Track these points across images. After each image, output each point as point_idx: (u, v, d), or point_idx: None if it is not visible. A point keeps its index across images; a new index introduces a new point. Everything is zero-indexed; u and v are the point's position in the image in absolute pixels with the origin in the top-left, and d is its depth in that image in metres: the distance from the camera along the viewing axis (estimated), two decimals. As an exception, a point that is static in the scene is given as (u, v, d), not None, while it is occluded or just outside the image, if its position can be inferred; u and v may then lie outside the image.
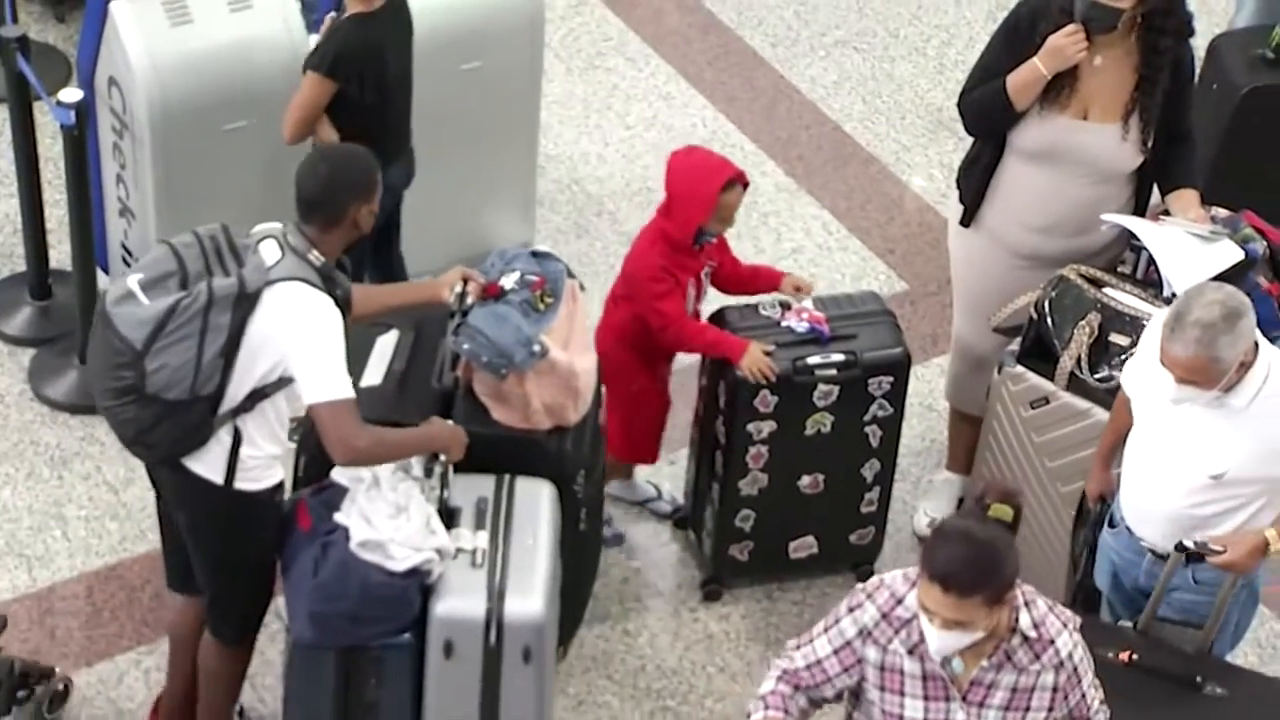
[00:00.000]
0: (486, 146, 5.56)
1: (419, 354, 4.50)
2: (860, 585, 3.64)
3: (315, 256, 3.98)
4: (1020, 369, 4.65)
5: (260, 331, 3.91)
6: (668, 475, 5.21)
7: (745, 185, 4.71)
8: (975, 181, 4.82)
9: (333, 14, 4.95)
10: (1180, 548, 4.04)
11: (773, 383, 4.66)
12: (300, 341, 3.92)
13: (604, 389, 4.68)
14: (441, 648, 4.12)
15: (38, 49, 5.72)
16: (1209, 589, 4.11)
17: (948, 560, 3.40)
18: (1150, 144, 4.68)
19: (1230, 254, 4.65)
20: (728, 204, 4.65)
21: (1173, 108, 4.70)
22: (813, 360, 4.70)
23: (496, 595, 4.11)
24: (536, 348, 4.27)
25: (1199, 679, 4.04)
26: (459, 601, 4.11)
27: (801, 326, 4.74)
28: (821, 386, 4.72)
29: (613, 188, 6.18)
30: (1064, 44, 4.55)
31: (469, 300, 4.31)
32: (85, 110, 5.04)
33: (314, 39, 5.40)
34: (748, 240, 5.91)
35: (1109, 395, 4.51)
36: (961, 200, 4.88)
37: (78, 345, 5.39)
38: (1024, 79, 4.61)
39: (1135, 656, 4.04)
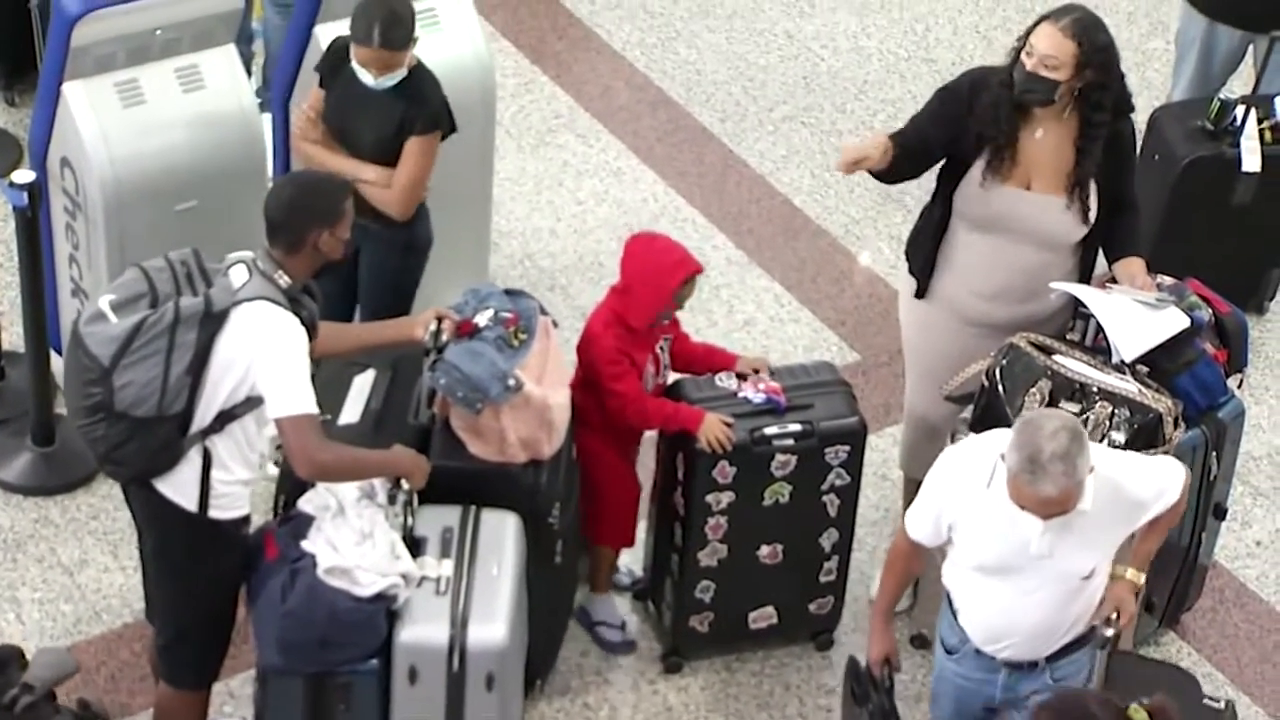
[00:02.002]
0: (439, 222, 5.57)
1: (395, 392, 4.60)
2: None
3: (281, 277, 4.05)
4: (973, 436, 4.69)
5: (227, 350, 3.98)
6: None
7: (698, 273, 4.74)
8: (924, 252, 4.88)
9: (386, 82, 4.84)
10: (1104, 644, 4.15)
11: (730, 453, 4.69)
12: (265, 357, 3.99)
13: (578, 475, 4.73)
14: (406, 674, 4.21)
15: (-11, 131, 5.73)
16: (1064, 683, 4.13)
17: None
18: (1093, 215, 4.76)
19: (1176, 321, 4.71)
20: (682, 295, 4.70)
21: (1116, 179, 4.78)
22: (770, 430, 4.73)
23: (460, 622, 4.21)
24: (511, 382, 4.36)
25: None
26: (423, 628, 4.21)
27: (758, 397, 4.78)
28: (779, 456, 4.74)
29: (565, 263, 6.22)
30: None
31: (444, 338, 4.39)
32: (38, 191, 5.05)
33: (267, 119, 5.44)
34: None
35: (1061, 461, 4.55)
36: (911, 271, 4.94)
37: (31, 427, 5.37)
38: None
39: None
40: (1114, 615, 4.14)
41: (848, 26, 7.21)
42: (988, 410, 4.68)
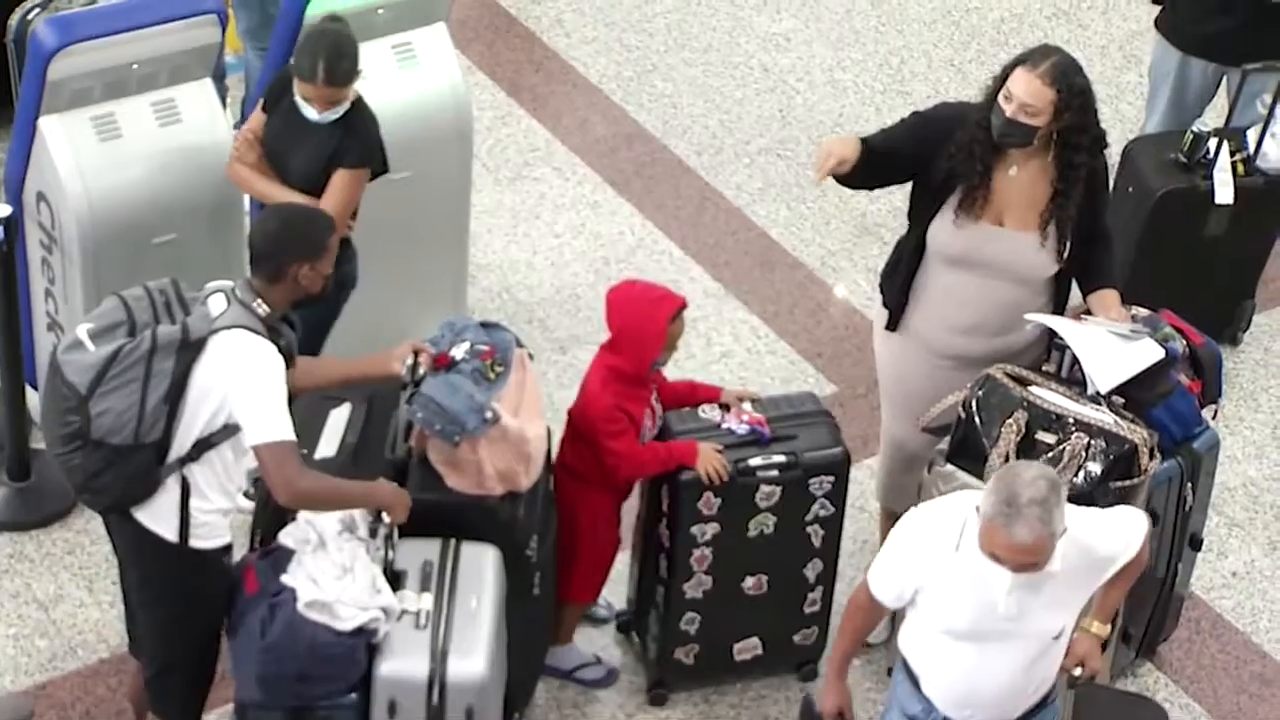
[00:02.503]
0: (417, 255, 5.59)
1: (371, 427, 4.60)
2: None
3: (259, 306, 4.06)
4: (950, 467, 4.69)
5: (204, 378, 3.99)
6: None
7: (684, 308, 4.69)
8: (897, 286, 4.89)
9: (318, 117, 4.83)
10: (1071, 683, 4.14)
11: (714, 484, 4.69)
12: (243, 385, 3.99)
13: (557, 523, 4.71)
14: (386, 707, 4.20)
15: (-35, 165, 5.71)
16: None
17: None
18: (1066, 251, 4.77)
19: (1151, 353, 4.73)
20: (675, 334, 4.65)
21: (1089, 215, 4.80)
22: (754, 461, 4.73)
23: (439, 656, 4.21)
24: (489, 414, 4.36)
25: None
26: (402, 662, 4.21)
27: (742, 428, 4.78)
28: (764, 488, 4.74)
29: (542, 295, 6.23)
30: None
31: (421, 371, 4.40)
32: (14, 226, 5.04)
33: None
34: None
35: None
36: (885, 305, 4.95)
37: (5, 462, 5.35)
38: None
39: None
40: (1078, 670, 4.12)
41: (823, 60, 7.25)
42: (964, 441, 4.69)
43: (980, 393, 4.68)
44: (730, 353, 6.10)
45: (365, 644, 4.19)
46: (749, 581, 4.86)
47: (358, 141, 4.84)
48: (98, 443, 4.00)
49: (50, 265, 5.26)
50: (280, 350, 4.05)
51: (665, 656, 4.94)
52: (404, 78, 5.45)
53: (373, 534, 4.26)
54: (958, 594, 3.91)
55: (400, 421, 4.53)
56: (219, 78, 5.90)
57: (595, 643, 5.14)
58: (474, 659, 4.23)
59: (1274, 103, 5.85)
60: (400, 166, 5.44)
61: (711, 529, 4.76)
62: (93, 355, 3.99)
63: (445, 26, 5.56)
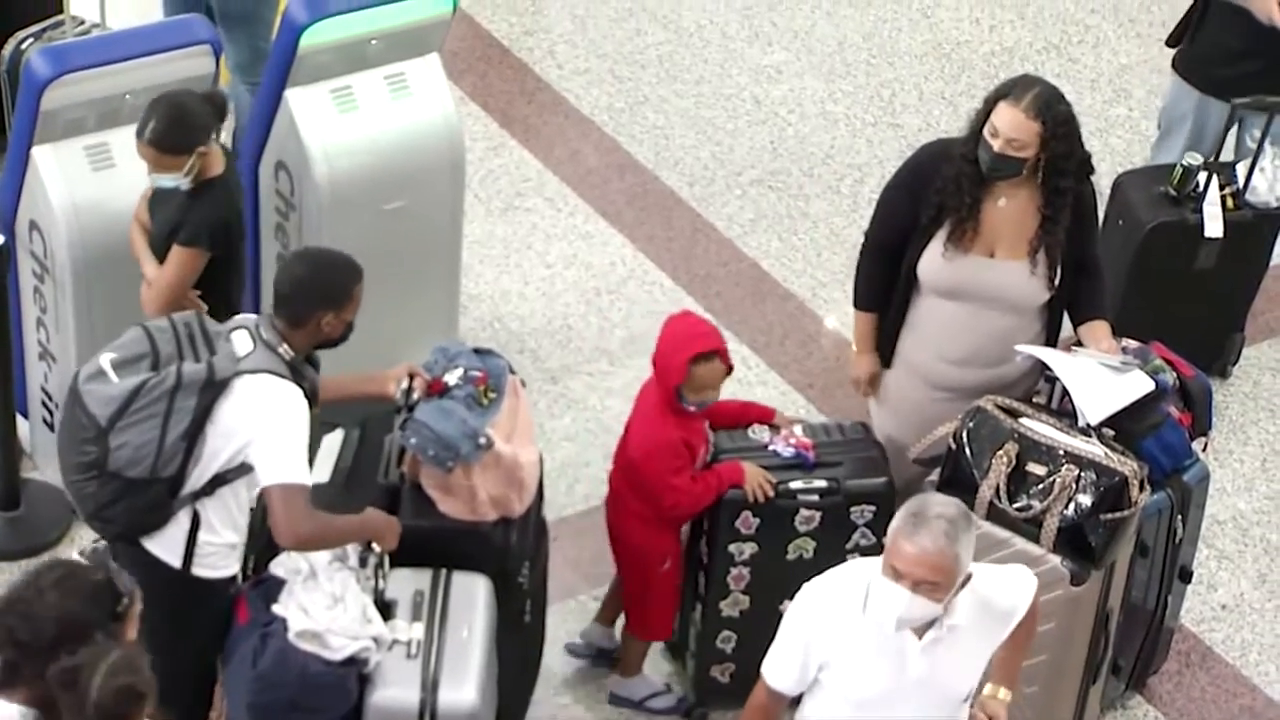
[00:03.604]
0: (409, 285, 5.59)
1: (364, 452, 4.61)
2: None
3: (285, 350, 4.07)
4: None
5: (227, 420, 4.00)
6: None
7: (728, 365, 4.65)
8: (889, 320, 4.91)
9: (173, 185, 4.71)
10: None
11: (753, 504, 4.70)
12: (265, 429, 4.01)
13: (621, 573, 4.82)
14: None
15: (-43, 194, 5.71)
16: None
17: None
18: (1057, 278, 4.79)
19: (1141, 385, 4.74)
20: (700, 375, 4.60)
21: (1079, 241, 4.82)
22: (795, 485, 4.75)
23: (430, 686, 4.22)
24: (482, 440, 4.38)
25: None
26: (394, 691, 4.22)
27: (787, 451, 4.80)
28: (803, 511, 4.76)
29: (534, 325, 6.23)
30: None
31: (414, 396, 4.40)
32: (6, 255, 5.04)
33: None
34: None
35: (1028, 524, 4.58)
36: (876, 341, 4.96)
37: (-4, 490, 5.34)
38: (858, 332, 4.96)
39: None
40: None
41: (815, 92, 7.27)
42: (955, 473, 4.70)
43: (971, 424, 4.69)
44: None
45: (356, 674, 4.20)
46: (787, 605, 4.85)
47: (194, 218, 4.68)
48: (113, 474, 4.01)
49: (42, 294, 5.26)
50: (304, 393, 4.07)
51: (701, 674, 4.97)
52: (397, 108, 5.47)
53: (363, 563, 4.27)
54: (866, 659, 3.83)
55: (393, 447, 4.54)
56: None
57: (655, 678, 5.12)
58: (465, 689, 4.24)
59: (1263, 137, 5.87)
60: (393, 197, 5.47)
61: (749, 548, 4.78)
62: (116, 388, 3.99)
63: (438, 57, 5.57)
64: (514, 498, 4.50)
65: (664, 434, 4.65)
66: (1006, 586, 3.98)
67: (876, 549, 4.78)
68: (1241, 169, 5.94)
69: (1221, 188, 5.88)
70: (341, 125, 5.36)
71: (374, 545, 4.26)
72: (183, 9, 5.83)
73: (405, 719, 4.21)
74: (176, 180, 4.66)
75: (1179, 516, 4.88)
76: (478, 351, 4.58)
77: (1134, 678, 5.22)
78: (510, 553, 4.51)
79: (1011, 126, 4.58)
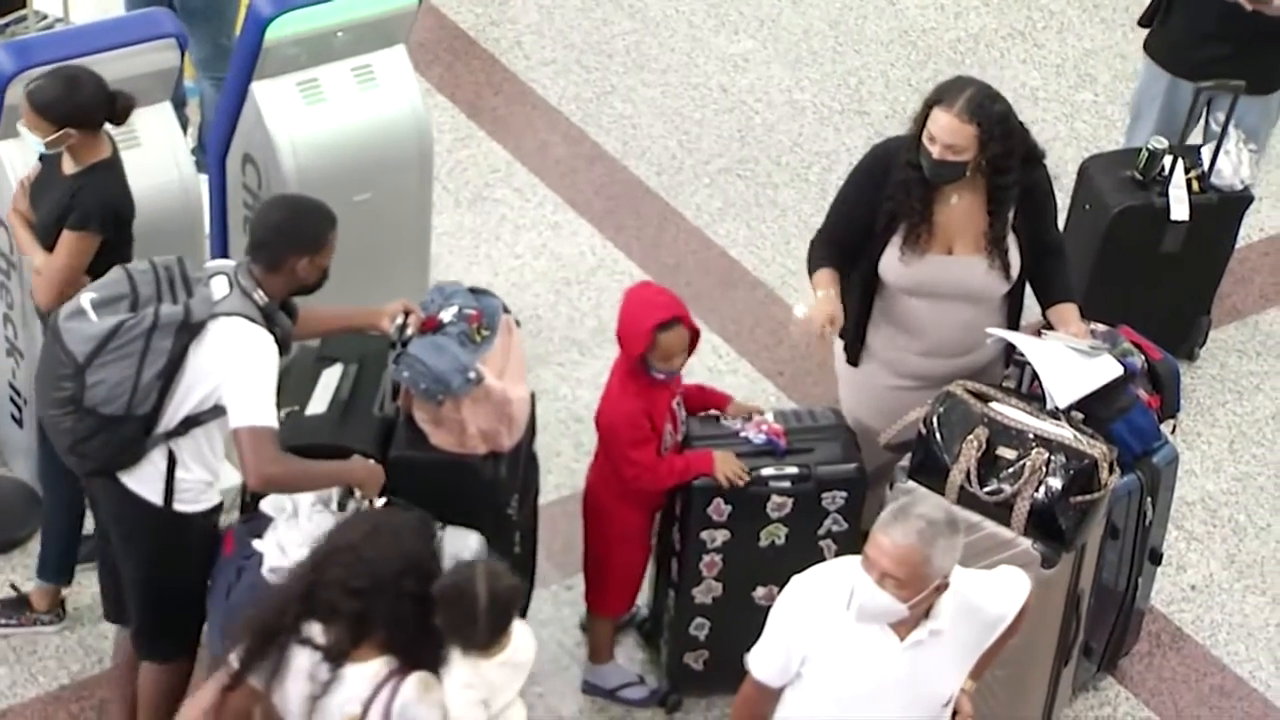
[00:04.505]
0: (378, 277, 5.58)
1: (362, 386, 4.68)
2: None
3: (260, 296, 4.16)
4: (912, 484, 4.72)
5: (200, 361, 4.10)
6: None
7: (692, 330, 4.66)
8: (854, 315, 4.91)
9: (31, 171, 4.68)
10: None
11: (725, 491, 4.71)
12: (236, 371, 4.10)
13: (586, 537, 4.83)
14: None
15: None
16: None
17: None
18: (1015, 269, 4.81)
19: (1110, 368, 4.77)
20: (665, 343, 4.62)
21: (1038, 226, 4.84)
22: (766, 471, 4.76)
23: None
24: (472, 375, 4.45)
25: None
26: None
27: (759, 438, 4.81)
28: (775, 498, 4.77)
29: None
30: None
31: (409, 332, 4.50)
32: (-28, 250, 5.02)
33: (204, 179, 5.42)
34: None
35: (999, 508, 4.60)
36: (842, 334, 4.97)
37: (-35, 487, 5.32)
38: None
39: None
40: None
41: (781, 80, 7.28)
42: (926, 458, 4.72)
43: (941, 409, 4.70)
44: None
45: None
46: (760, 591, 4.87)
47: (83, 202, 4.62)
48: (89, 410, 4.11)
49: (8, 289, 5.24)
50: (276, 339, 4.16)
51: (675, 661, 4.98)
52: (364, 100, 5.46)
53: (341, 507, 4.31)
54: (848, 656, 3.84)
55: (389, 382, 4.63)
56: (179, 103, 5.89)
57: (622, 645, 5.13)
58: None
59: (1227, 120, 5.90)
60: (361, 189, 5.45)
61: (722, 535, 4.79)
62: (94, 326, 4.08)
63: (405, 49, 5.56)
64: (503, 432, 4.56)
65: (624, 404, 4.67)
66: (997, 593, 3.98)
67: (848, 535, 4.83)
68: (1206, 152, 5.96)
69: (1187, 171, 5.91)
70: (308, 118, 5.35)
71: (356, 491, 4.31)
72: (145, 3, 5.81)
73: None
74: (38, 146, 4.60)
75: (1148, 498, 4.91)
76: (473, 291, 4.67)
77: (1105, 659, 5.25)
78: (500, 485, 4.57)
79: (947, 132, 4.60)
